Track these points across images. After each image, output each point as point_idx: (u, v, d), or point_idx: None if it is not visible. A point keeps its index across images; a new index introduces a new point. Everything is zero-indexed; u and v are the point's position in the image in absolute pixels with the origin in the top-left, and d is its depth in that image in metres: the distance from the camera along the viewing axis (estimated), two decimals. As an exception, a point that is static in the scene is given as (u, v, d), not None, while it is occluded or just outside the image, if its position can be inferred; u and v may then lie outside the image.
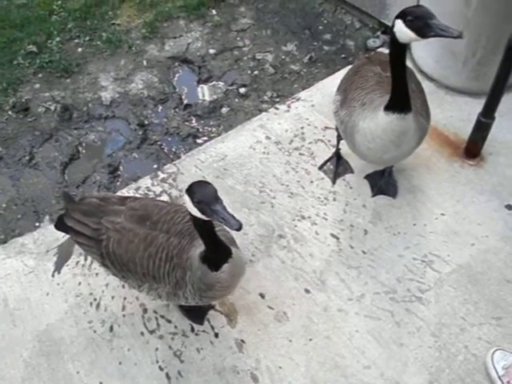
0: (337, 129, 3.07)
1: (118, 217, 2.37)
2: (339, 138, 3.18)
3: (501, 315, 2.64)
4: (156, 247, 2.28)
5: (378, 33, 4.42)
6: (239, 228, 1.87)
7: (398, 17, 2.20)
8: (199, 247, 2.22)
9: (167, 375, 2.56)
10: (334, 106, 2.93)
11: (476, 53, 3.39)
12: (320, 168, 3.29)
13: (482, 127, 3.12)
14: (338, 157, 3.28)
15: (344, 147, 3.17)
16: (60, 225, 2.54)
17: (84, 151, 3.95)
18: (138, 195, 3.26)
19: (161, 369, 2.57)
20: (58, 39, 4.73)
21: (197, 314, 2.72)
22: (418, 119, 2.58)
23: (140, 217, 2.36)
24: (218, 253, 2.19)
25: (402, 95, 2.42)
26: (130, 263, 2.31)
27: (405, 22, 2.16)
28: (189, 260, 2.24)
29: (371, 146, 2.62)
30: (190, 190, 1.97)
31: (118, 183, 3.70)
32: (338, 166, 3.27)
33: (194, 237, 2.26)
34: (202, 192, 1.94)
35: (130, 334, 2.69)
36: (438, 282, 2.78)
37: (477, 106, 3.16)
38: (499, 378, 2.38)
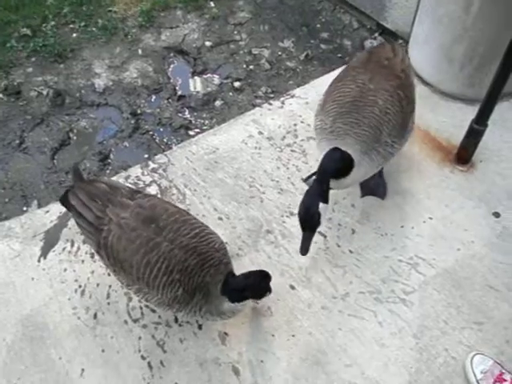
0: None
1: (123, 211, 2.27)
2: None
3: (482, 320, 2.66)
4: (157, 256, 2.18)
5: (376, 34, 4.44)
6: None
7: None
8: (218, 276, 2.22)
9: (149, 364, 2.55)
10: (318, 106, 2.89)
11: (473, 59, 3.41)
12: (305, 180, 3.25)
13: (475, 134, 3.14)
14: None
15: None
16: (64, 199, 2.46)
17: (75, 137, 3.94)
18: (127, 184, 3.25)
19: (143, 358, 2.57)
20: (52, 23, 4.71)
21: None
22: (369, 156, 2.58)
23: (146, 217, 2.25)
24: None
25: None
26: (125, 263, 2.23)
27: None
28: (204, 285, 2.20)
29: None
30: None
31: (108, 171, 3.69)
32: None
33: (206, 259, 2.21)
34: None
35: (113, 321, 2.68)
36: (422, 284, 2.80)
37: (470, 112, 3.19)
38: (477, 381, 2.41)
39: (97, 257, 2.65)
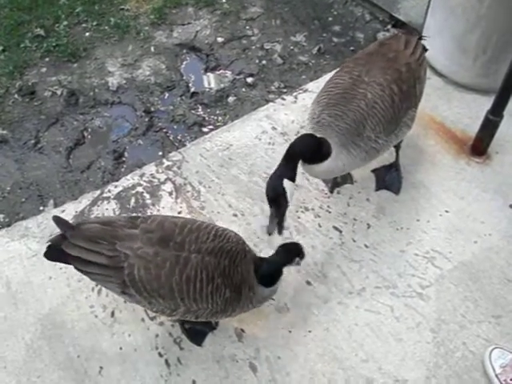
0: None
1: (134, 242, 2.17)
2: None
3: (500, 314, 2.64)
4: (194, 269, 2.14)
5: (389, 26, 4.40)
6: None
7: None
8: (249, 266, 2.28)
9: (166, 362, 2.57)
10: None
11: (487, 50, 3.37)
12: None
13: (490, 125, 3.11)
14: None
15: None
16: (53, 255, 2.27)
17: (89, 136, 3.95)
18: (142, 182, 3.26)
19: (160, 355, 2.59)
20: (65, 23, 4.72)
21: (197, 335, 2.66)
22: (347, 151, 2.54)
23: (160, 238, 2.18)
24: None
25: None
26: (162, 289, 2.15)
27: None
28: (244, 280, 2.25)
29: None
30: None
31: (123, 169, 3.70)
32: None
33: (234, 255, 2.24)
34: None
35: (130, 319, 2.70)
36: (439, 278, 2.78)
37: (485, 103, 3.15)
38: (496, 376, 2.39)
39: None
